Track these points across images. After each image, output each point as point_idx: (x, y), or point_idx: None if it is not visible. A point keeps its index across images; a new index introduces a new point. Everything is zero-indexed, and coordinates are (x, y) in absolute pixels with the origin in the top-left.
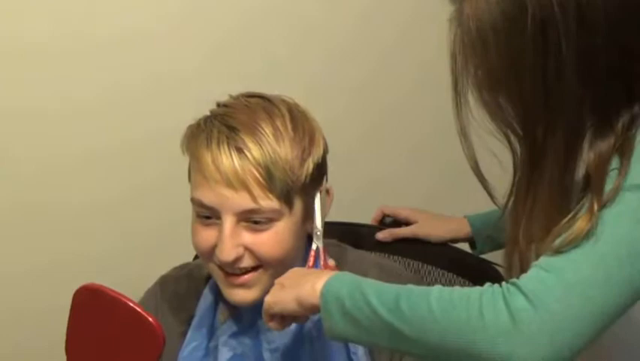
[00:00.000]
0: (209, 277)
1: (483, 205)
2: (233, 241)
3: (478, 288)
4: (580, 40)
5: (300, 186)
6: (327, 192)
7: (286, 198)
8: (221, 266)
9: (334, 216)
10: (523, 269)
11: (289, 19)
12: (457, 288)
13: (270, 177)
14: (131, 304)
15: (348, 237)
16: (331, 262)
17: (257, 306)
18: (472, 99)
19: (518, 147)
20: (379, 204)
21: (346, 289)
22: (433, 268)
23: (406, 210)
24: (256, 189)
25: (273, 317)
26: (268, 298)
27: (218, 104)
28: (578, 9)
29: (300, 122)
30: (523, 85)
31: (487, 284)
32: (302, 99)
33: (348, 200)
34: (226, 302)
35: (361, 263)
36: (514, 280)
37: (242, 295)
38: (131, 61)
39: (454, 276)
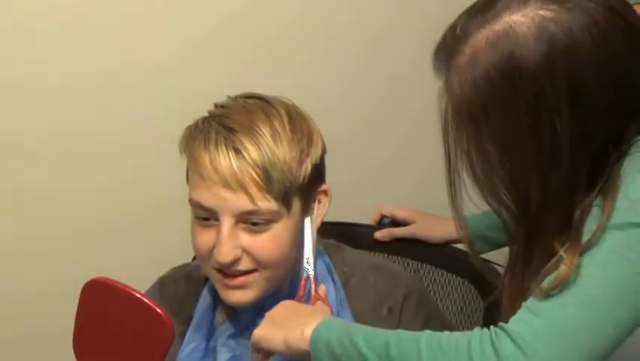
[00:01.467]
0: (207, 278)
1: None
2: (231, 243)
3: (466, 333)
4: (573, 116)
5: (299, 187)
6: (325, 193)
7: (284, 200)
8: (219, 268)
9: (333, 216)
10: None
11: (279, 14)
12: (446, 333)
13: (268, 178)
14: (139, 296)
15: (346, 237)
16: (321, 291)
17: (255, 307)
18: (465, 176)
19: (511, 223)
20: (378, 204)
21: (335, 335)
22: (433, 267)
23: (405, 211)
24: (254, 190)
25: (259, 349)
26: (257, 332)
27: (216, 105)
28: (568, 83)
29: (298, 124)
30: (516, 163)
31: (477, 329)
32: (298, 99)
33: (346, 200)
34: (224, 303)
35: (359, 264)
36: (502, 324)
37: (238, 297)
38: (125, 57)
39: (453, 276)
